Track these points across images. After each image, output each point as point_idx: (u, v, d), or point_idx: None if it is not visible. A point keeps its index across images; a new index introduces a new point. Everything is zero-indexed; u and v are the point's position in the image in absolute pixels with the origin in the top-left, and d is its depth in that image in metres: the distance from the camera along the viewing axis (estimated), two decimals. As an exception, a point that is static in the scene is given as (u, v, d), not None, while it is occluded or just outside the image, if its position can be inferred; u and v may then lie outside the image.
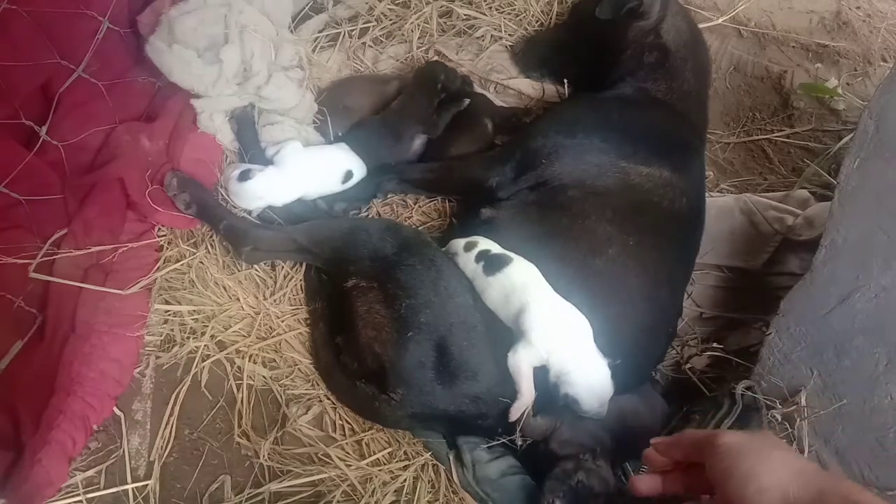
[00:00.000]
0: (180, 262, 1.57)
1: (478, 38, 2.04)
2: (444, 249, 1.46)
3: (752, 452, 0.84)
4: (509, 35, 2.04)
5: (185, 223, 1.59)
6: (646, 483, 0.99)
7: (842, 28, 2.21)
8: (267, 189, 1.56)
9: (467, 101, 1.80)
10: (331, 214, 1.66)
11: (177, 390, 1.46)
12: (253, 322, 1.53)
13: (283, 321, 1.54)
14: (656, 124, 1.63)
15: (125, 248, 1.52)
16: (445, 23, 2.02)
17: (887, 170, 1.31)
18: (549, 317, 1.30)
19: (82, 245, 1.49)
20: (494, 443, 1.36)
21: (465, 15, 2.02)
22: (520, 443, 1.33)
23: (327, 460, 1.40)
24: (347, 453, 1.41)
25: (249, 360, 1.49)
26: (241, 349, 1.50)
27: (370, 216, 1.74)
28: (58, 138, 1.50)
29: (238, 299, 1.55)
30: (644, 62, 1.69)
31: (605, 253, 1.43)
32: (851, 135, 1.42)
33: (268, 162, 1.62)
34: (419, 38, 1.97)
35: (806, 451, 1.31)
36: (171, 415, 1.44)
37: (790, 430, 1.33)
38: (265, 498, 1.37)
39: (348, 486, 1.38)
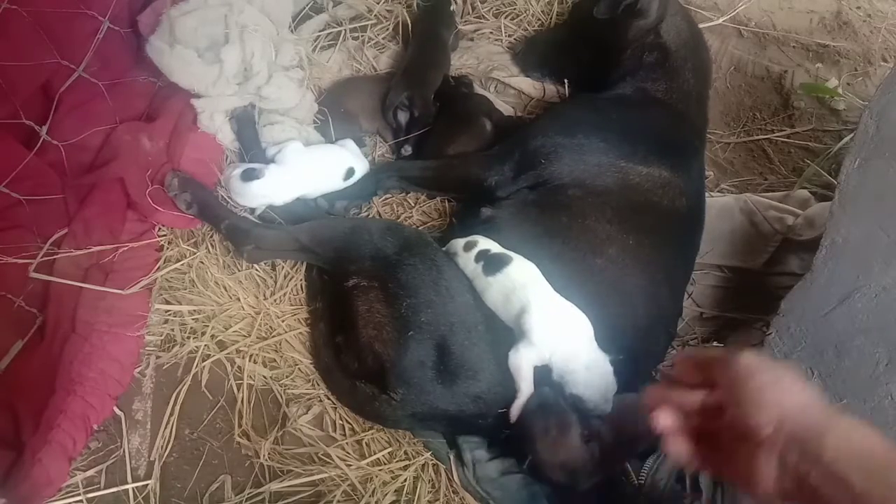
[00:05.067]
0: (181, 262, 1.57)
1: (478, 38, 2.04)
2: (444, 249, 1.46)
3: (767, 371, 0.83)
4: (509, 35, 2.04)
5: (186, 223, 1.59)
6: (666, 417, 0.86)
7: (842, 28, 2.21)
8: (270, 187, 1.56)
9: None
10: (332, 213, 1.66)
11: (177, 390, 1.46)
12: (253, 322, 1.53)
13: (283, 321, 1.54)
14: (656, 124, 1.63)
15: (125, 248, 1.52)
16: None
17: (888, 170, 1.30)
18: (551, 316, 1.29)
19: (82, 245, 1.49)
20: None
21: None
22: None
23: (327, 460, 1.40)
24: (348, 453, 1.41)
25: (250, 360, 1.49)
26: (241, 349, 1.50)
27: (371, 215, 1.74)
28: (58, 138, 1.50)
29: (238, 299, 1.55)
30: (644, 62, 1.69)
31: (604, 252, 1.43)
32: (852, 135, 1.42)
33: (268, 161, 1.62)
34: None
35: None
36: (171, 415, 1.43)
37: (790, 430, 1.33)
38: (265, 498, 1.37)
39: (349, 485, 1.38)
